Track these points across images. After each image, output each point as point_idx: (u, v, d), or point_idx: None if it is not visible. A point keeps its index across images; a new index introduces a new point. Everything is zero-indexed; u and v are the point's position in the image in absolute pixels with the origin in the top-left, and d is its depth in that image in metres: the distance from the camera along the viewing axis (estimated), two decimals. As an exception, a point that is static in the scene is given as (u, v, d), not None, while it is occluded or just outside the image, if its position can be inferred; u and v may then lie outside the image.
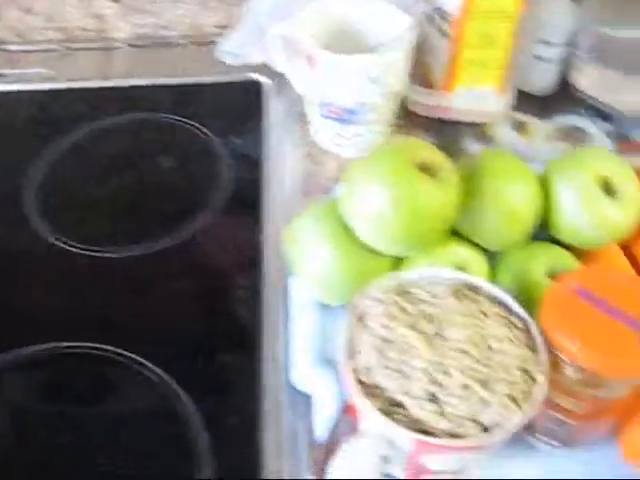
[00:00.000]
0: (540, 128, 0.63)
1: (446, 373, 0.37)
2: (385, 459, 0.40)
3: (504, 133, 0.63)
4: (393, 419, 0.37)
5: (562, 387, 0.40)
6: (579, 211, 0.48)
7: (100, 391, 0.50)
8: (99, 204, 0.63)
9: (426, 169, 0.44)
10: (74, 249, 0.58)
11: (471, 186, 0.47)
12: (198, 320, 0.55)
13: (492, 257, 0.50)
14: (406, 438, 0.37)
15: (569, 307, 0.40)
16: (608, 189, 0.48)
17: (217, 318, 0.54)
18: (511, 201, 0.47)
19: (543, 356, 0.39)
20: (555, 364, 0.39)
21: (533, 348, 0.40)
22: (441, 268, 0.44)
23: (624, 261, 0.51)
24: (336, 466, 0.37)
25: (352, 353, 0.39)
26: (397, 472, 0.42)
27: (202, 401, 0.48)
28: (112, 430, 0.48)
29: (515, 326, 0.40)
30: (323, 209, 0.48)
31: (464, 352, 0.38)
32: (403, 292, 0.41)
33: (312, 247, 0.47)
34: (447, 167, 0.45)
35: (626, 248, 0.52)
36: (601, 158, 0.49)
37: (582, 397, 0.40)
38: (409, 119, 0.64)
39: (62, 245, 0.59)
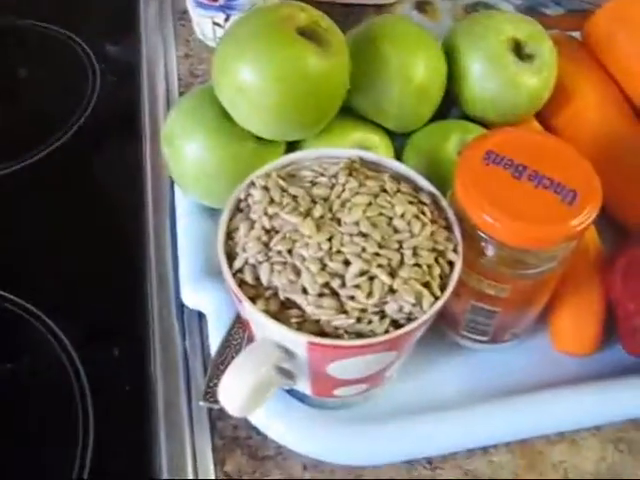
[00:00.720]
0: (445, 6, 0.57)
1: (343, 261, 0.31)
2: (287, 374, 0.35)
3: (408, 14, 0.56)
4: (284, 322, 0.31)
5: (482, 269, 0.35)
6: (489, 78, 0.42)
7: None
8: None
9: (308, 35, 0.37)
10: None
11: (369, 58, 0.41)
12: (81, 245, 0.47)
13: (398, 140, 0.44)
14: (300, 342, 0.31)
15: (482, 175, 0.34)
16: (519, 53, 0.43)
17: (100, 241, 0.47)
18: (414, 73, 0.41)
19: (457, 234, 0.34)
20: (472, 243, 0.34)
21: (445, 226, 0.34)
22: (334, 148, 0.37)
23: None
24: (223, 384, 0.31)
25: (234, 252, 0.33)
26: (302, 387, 0.36)
27: (80, 335, 0.42)
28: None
29: (423, 203, 0.34)
30: (195, 99, 0.41)
31: (363, 235, 0.32)
32: (289, 176, 0.35)
33: (185, 142, 0.40)
34: (335, 34, 0.39)
35: (544, 121, 0.47)
36: (511, 20, 0.43)
37: (504, 279, 0.35)
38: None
39: None
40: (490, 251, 0.34)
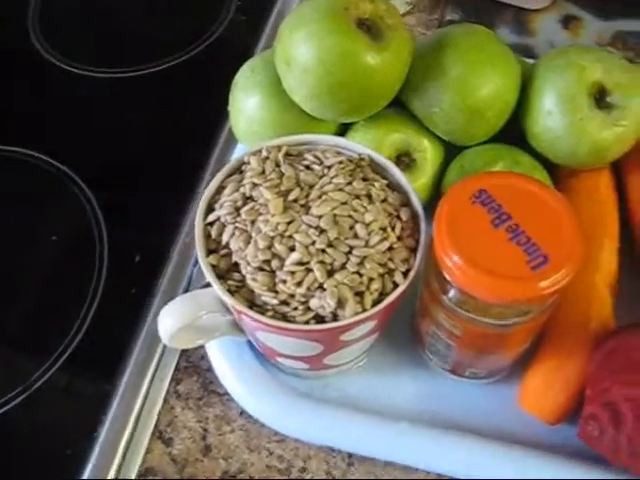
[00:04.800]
0: (593, 28, 0.53)
1: (290, 247, 0.33)
2: (237, 326, 0.38)
3: (548, 25, 0.53)
4: (225, 282, 0.33)
5: (440, 303, 0.35)
6: (556, 118, 0.40)
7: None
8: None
9: (367, 27, 0.38)
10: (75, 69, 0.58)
11: (431, 63, 0.40)
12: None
13: (454, 150, 0.44)
14: (229, 304, 0.33)
15: (462, 213, 0.33)
16: (601, 99, 0.40)
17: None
18: (470, 91, 0.40)
19: (417, 260, 0.34)
20: (439, 276, 0.34)
21: (412, 248, 0.34)
22: (356, 142, 0.38)
23: (606, 189, 0.43)
24: (161, 315, 0.35)
25: (214, 206, 0.36)
26: (246, 337, 0.39)
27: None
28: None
29: (401, 220, 0.35)
30: (263, 59, 0.43)
31: (320, 229, 0.34)
32: (295, 154, 0.37)
33: (243, 96, 0.43)
34: (398, 31, 0.39)
35: (621, 175, 0.44)
36: (606, 63, 0.40)
37: (458, 318, 0.35)
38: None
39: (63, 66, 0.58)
40: (450, 289, 0.34)
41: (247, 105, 0.43)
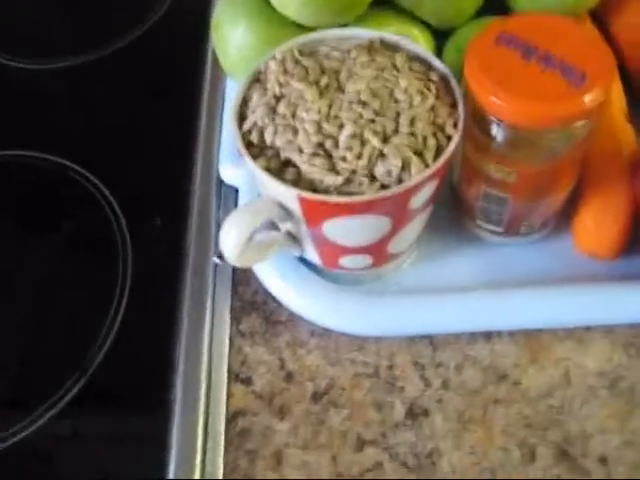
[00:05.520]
0: None
1: (339, 125, 0.33)
2: (293, 238, 0.37)
3: None
4: (280, 178, 0.33)
5: (491, 153, 0.35)
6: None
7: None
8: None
9: None
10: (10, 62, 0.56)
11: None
12: (140, 127, 0.51)
13: (442, 36, 0.44)
14: (292, 197, 0.33)
15: (491, 57, 0.34)
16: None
17: (154, 124, 0.51)
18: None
19: (460, 111, 0.34)
20: (482, 125, 0.34)
21: (450, 104, 0.35)
22: (358, 28, 0.39)
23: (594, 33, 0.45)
24: (222, 232, 0.34)
25: (246, 115, 0.35)
26: (311, 257, 0.39)
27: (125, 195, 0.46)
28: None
29: (431, 80, 0.35)
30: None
31: (362, 103, 0.33)
32: (309, 51, 0.37)
33: (230, 28, 0.43)
34: None
35: (601, 27, 0.46)
36: None
37: (511, 161, 0.35)
38: None
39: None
40: (498, 133, 0.34)
41: (235, 35, 0.42)
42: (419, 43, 0.43)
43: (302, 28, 0.41)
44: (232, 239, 0.34)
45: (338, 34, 0.38)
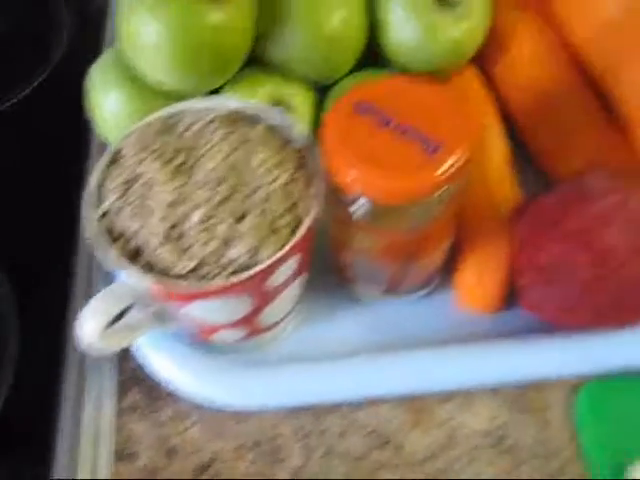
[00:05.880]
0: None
1: (190, 208, 0.32)
2: (160, 317, 0.36)
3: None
4: (134, 263, 0.32)
5: (353, 224, 0.35)
6: (407, 25, 0.41)
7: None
8: None
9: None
10: None
11: (276, 4, 0.40)
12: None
13: (325, 89, 0.44)
14: (148, 285, 0.32)
15: (349, 127, 0.33)
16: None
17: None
18: (323, 20, 0.40)
19: (317, 186, 0.34)
20: (340, 196, 0.34)
21: (308, 177, 0.34)
22: (223, 98, 0.38)
23: (477, 84, 0.44)
24: (78, 322, 0.33)
25: (103, 197, 0.34)
26: (184, 331, 0.38)
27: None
28: None
29: (289, 153, 0.34)
30: (107, 56, 0.42)
31: (216, 183, 0.33)
32: (169, 125, 0.36)
33: (102, 96, 0.42)
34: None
35: (483, 68, 0.45)
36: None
37: (374, 231, 0.35)
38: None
39: None
40: (357, 206, 0.34)
41: (108, 104, 0.41)
42: (297, 100, 0.42)
43: (172, 95, 0.40)
44: (90, 327, 0.33)
45: (201, 105, 0.37)
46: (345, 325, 0.40)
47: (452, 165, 0.32)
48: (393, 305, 0.41)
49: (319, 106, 0.43)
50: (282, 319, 0.38)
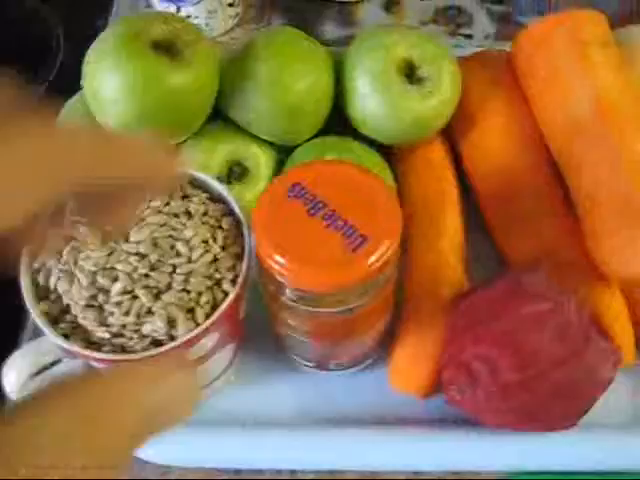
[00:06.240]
0: (415, 7, 0.54)
1: (113, 278, 0.33)
2: (85, 368, 0.37)
3: (371, 13, 0.55)
4: (59, 326, 0.33)
5: (281, 303, 0.35)
6: (372, 100, 0.41)
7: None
8: None
9: (165, 47, 0.38)
10: None
11: (240, 72, 0.41)
12: None
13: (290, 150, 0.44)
14: (66, 347, 0.33)
15: (280, 210, 0.33)
16: (412, 73, 0.41)
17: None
18: (285, 89, 0.40)
19: (244, 265, 0.34)
20: (269, 277, 0.34)
21: (237, 254, 0.34)
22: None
23: (441, 158, 0.44)
24: (3, 373, 0.34)
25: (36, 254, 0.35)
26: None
27: None
28: None
29: (223, 229, 0.35)
30: (75, 100, 0.43)
31: (141, 255, 0.33)
32: (112, 187, 0.36)
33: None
34: (199, 45, 0.39)
35: (453, 144, 0.45)
36: (409, 39, 0.41)
37: (301, 314, 0.35)
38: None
39: None
40: (284, 288, 0.34)
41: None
42: (258, 160, 0.42)
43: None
44: (12, 380, 0.34)
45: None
46: (279, 392, 0.41)
47: (376, 260, 0.32)
48: (329, 377, 0.41)
49: (280, 166, 0.43)
50: (210, 382, 0.39)
